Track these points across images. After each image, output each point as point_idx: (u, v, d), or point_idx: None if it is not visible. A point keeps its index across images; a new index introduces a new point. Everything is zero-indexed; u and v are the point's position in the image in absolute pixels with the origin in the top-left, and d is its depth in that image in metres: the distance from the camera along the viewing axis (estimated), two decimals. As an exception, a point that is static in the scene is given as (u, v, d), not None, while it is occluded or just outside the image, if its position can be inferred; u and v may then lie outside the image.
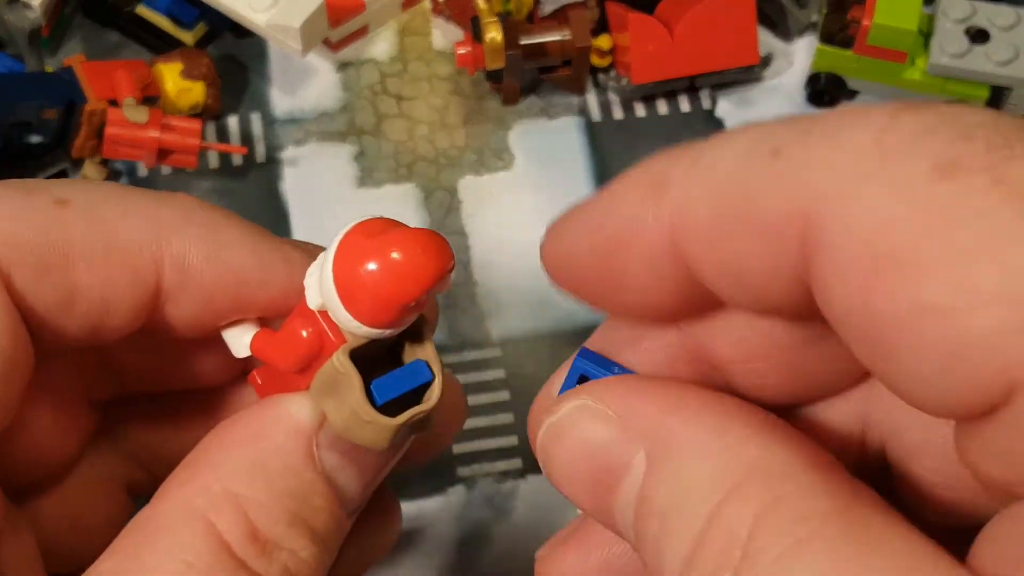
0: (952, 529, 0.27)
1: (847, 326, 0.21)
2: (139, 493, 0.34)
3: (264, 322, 0.30)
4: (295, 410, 0.28)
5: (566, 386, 0.27)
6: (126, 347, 0.31)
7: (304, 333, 0.27)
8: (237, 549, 0.26)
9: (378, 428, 0.27)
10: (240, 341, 0.29)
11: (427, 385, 0.27)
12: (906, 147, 0.20)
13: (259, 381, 0.30)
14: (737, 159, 0.22)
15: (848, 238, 0.20)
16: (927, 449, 0.27)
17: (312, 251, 0.30)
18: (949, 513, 0.27)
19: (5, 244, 0.26)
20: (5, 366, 0.26)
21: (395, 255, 0.25)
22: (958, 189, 0.19)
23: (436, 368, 0.28)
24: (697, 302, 0.25)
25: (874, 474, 0.29)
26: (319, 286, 0.27)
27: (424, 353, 0.28)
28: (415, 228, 0.26)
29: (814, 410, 0.28)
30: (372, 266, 0.25)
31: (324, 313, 0.27)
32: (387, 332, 0.26)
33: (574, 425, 0.25)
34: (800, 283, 0.22)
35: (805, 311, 0.22)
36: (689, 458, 0.23)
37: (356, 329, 0.26)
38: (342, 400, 0.27)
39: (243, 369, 0.33)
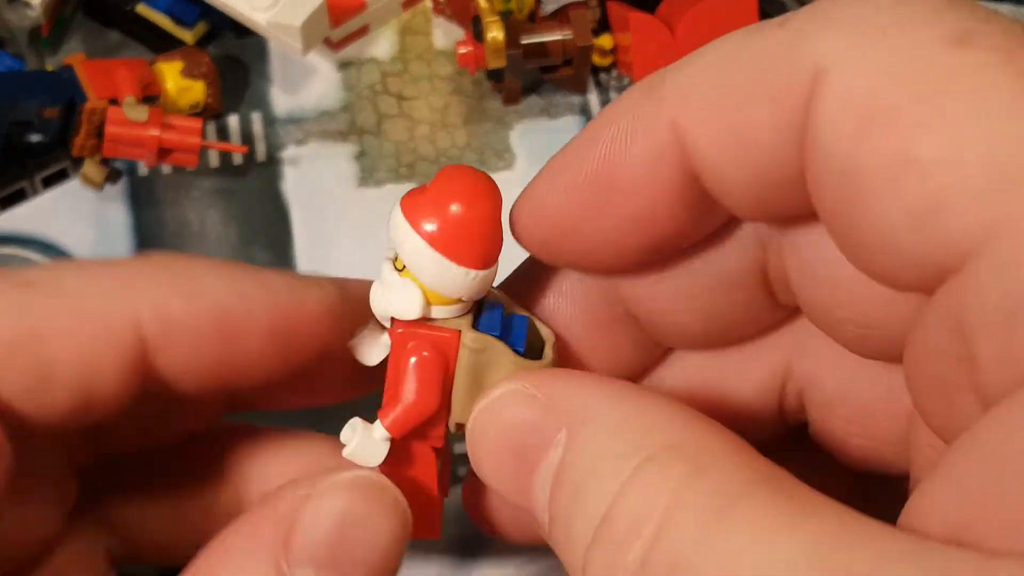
0: (865, 483, 0.28)
1: (827, 180, 0.21)
2: (119, 561, 0.33)
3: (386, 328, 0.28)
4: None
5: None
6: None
7: (412, 360, 0.26)
8: None
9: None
10: (369, 349, 0.28)
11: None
12: (922, 15, 0.20)
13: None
14: (743, 36, 0.23)
15: (848, 91, 0.20)
16: (845, 397, 0.27)
17: (295, 276, 0.30)
18: (864, 463, 0.28)
19: None
20: None
21: (459, 182, 0.26)
22: (967, 60, 0.19)
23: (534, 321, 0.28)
24: (688, 224, 0.25)
25: (792, 432, 0.29)
26: (403, 291, 0.26)
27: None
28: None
29: (737, 361, 0.28)
30: (450, 202, 0.25)
31: (416, 329, 0.26)
32: (482, 276, 0.26)
33: (504, 408, 0.25)
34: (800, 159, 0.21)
35: (793, 203, 0.22)
36: (604, 431, 0.22)
37: (461, 282, 0.26)
38: (496, 377, 0.26)
39: (222, 417, 0.32)
